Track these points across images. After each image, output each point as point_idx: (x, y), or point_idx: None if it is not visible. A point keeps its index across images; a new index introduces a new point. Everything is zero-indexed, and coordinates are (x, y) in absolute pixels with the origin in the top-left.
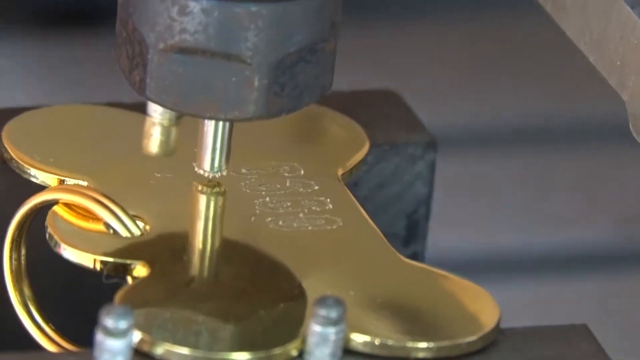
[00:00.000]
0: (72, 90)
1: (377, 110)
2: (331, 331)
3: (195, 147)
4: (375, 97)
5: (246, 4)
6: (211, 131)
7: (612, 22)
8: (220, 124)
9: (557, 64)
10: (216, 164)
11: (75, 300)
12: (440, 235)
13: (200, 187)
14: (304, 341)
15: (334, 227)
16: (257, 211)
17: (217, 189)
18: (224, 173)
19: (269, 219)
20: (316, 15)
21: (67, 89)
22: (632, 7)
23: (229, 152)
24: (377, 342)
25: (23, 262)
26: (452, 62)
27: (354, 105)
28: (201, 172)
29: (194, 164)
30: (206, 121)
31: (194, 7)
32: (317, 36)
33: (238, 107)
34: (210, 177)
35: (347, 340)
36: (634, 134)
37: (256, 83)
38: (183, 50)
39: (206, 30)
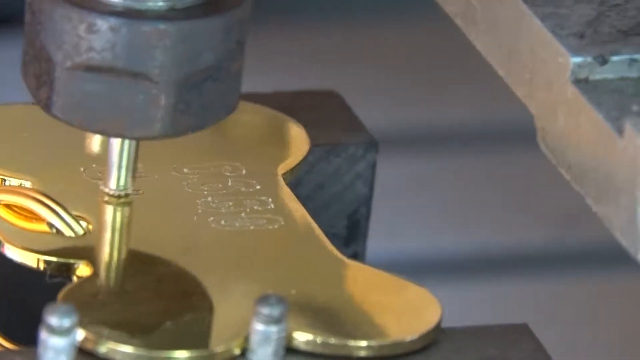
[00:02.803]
0: (12, 90)
1: (319, 111)
2: (273, 330)
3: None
4: (316, 98)
5: (154, 23)
6: (117, 149)
7: (523, 35)
8: (127, 142)
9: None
10: (122, 182)
11: (17, 300)
12: (380, 236)
13: (106, 198)
14: (246, 340)
15: (276, 226)
16: (200, 211)
17: (123, 200)
18: (129, 192)
19: (211, 218)
20: (223, 34)
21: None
22: (542, 21)
23: (134, 171)
24: (319, 340)
25: None
26: (393, 63)
27: (295, 105)
28: (106, 190)
29: (100, 183)
30: (112, 139)
31: (102, 25)
32: (224, 55)
33: (144, 126)
34: (116, 195)
35: (289, 339)
36: (542, 147)
37: (163, 101)
38: (90, 69)
39: (113, 49)
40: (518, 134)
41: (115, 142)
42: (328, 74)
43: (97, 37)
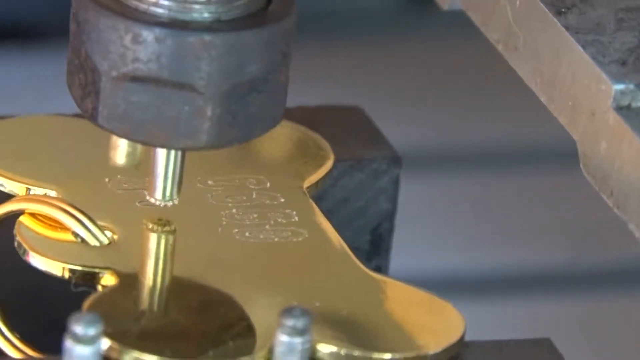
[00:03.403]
0: (41, 101)
1: (343, 126)
2: (298, 341)
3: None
4: (340, 113)
5: (199, 33)
6: (163, 160)
7: (564, 62)
8: (172, 152)
9: (520, 88)
10: (167, 193)
11: (42, 309)
12: (402, 251)
13: (150, 226)
14: (270, 351)
15: (300, 239)
16: (224, 222)
17: (167, 228)
18: (176, 202)
19: (236, 230)
20: (268, 46)
21: (35, 100)
22: (583, 48)
23: (180, 181)
24: (342, 352)
25: None
26: (418, 80)
27: (319, 120)
28: (152, 200)
29: (145, 192)
30: (158, 149)
31: (147, 35)
32: (269, 66)
33: (190, 137)
34: (162, 205)
35: (313, 351)
36: (585, 173)
37: (209, 112)
38: (136, 79)
39: (159, 59)
40: (540, 154)
41: (161, 153)
42: (353, 90)
43: (142, 47)
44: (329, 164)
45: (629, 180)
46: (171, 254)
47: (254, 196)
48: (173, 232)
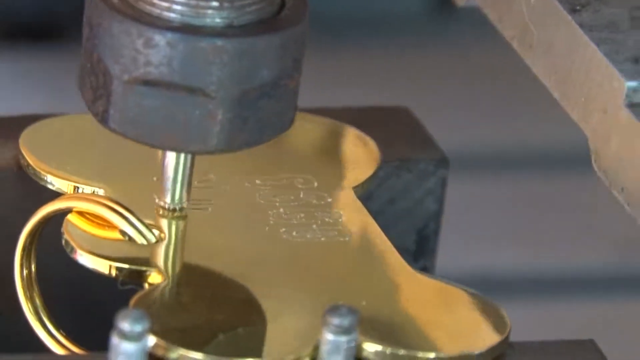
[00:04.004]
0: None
1: (390, 126)
2: (343, 340)
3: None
4: (387, 114)
5: (211, 39)
6: (172, 163)
7: (578, 59)
8: (182, 156)
9: None
10: (177, 197)
11: (87, 308)
12: (449, 251)
13: (160, 211)
14: (316, 349)
15: (347, 238)
16: (271, 222)
17: (177, 214)
18: (185, 206)
19: (283, 229)
20: (280, 52)
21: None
22: (597, 45)
23: (189, 185)
24: (388, 351)
25: (34, 269)
26: (466, 81)
27: (366, 121)
28: (162, 204)
29: (154, 196)
30: (168, 153)
31: (160, 40)
32: (280, 72)
33: (200, 140)
34: (171, 208)
35: (359, 350)
36: (596, 169)
37: (219, 117)
38: (147, 83)
39: (171, 64)
40: (586, 158)
41: (171, 156)
42: (399, 91)
43: (154, 51)
44: (376, 164)
45: None
46: (182, 237)
47: (301, 196)
48: (184, 217)
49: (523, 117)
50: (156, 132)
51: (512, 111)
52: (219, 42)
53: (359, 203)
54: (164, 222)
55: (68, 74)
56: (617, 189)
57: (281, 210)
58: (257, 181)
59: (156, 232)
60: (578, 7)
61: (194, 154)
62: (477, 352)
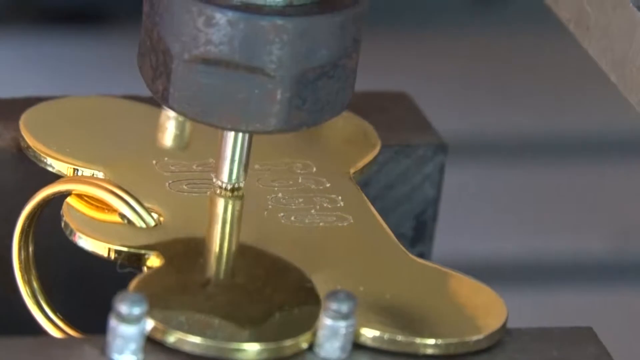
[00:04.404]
0: (88, 83)
1: (389, 112)
2: (342, 325)
3: (209, 139)
4: (387, 99)
5: (272, 18)
6: (231, 142)
7: (635, 41)
8: (240, 135)
9: (568, 77)
10: (234, 176)
11: (85, 291)
12: (446, 237)
13: (218, 190)
14: (314, 334)
15: (345, 224)
16: (270, 206)
17: (236, 193)
18: (242, 184)
19: (282, 214)
20: (340, 31)
21: (82, 82)
22: None
23: (247, 164)
24: (386, 337)
25: (31, 252)
26: (465, 68)
27: (366, 106)
28: (219, 183)
29: (212, 175)
30: (226, 132)
31: (220, 18)
32: (340, 52)
33: (259, 120)
34: (229, 188)
35: (357, 335)
36: None
37: (279, 96)
38: (207, 61)
39: (231, 42)
40: (588, 144)
41: (230, 136)
42: (399, 77)
43: (215, 30)
44: (375, 149)
45: None
46: (238, 219)
47: (300, 181)
48: (241, 197)
49: (521, 104)
50: (215, 112)
51: (510, 98)
52: (279, 21)
53: (357, 188)
54: (220, 202)
55: (69, 56)
56: None
57: (280, 195)
58: (256, 166)
59: (155, 215)
60: None
61: (252, 134)
62: (474, 338)
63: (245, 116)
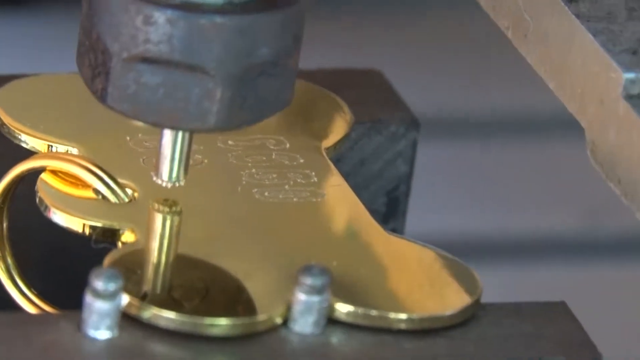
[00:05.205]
0: (61, 60)
1: (361, 89)
2: (316, 300)
3: None
4: (359, 76)
5: (211, 16)
6: (170, 141)
7: (574, 50)
8: (180, 134)
9: None
10: (174, 174)
11: (60, 266)
12: (418, 214)
13: (156, 206)
14: (288, 309)
15: (319, 199)
16: (244, 182)
17: (174, 208)
18: (182, 184)
19: (255, 190)
20: (280, 29)
21: (56, 59)
22: (594, 36)
23: (187, 162)
24: (360, 312)
25: (6, 228)
26: (437, 44)
27: (338, 83)
28: (159, 181)
29: (152, 173)
30: (166, 131)
31: (159, 17)
32: (280, 50)
33: (199, 118)
34: (169, 186)
35: (331, 310)
36: (592, 161)
37: (219, 95)
38: (146, 60)
39: (170, 41)
40: (560, 121)
41: (169, 134)
42: (372, 54)
43: (153, 29)
44: (348, 126)
45: (637, 169)
46: (176, 236)
47: (273, 157)
48: (179, 212)
49: (494, 82)
50: (155, 110)
51: (483, 75)
52: (219, 19)
53: (330, 164)
54: (158, 218)
55: (43, 34)
56: (614, 181)
57: (253, 170)
58: (230, 142)
59: (129, 191)
60: None
61: (192, 133)
62: (448, 313)
63: (185, 115)
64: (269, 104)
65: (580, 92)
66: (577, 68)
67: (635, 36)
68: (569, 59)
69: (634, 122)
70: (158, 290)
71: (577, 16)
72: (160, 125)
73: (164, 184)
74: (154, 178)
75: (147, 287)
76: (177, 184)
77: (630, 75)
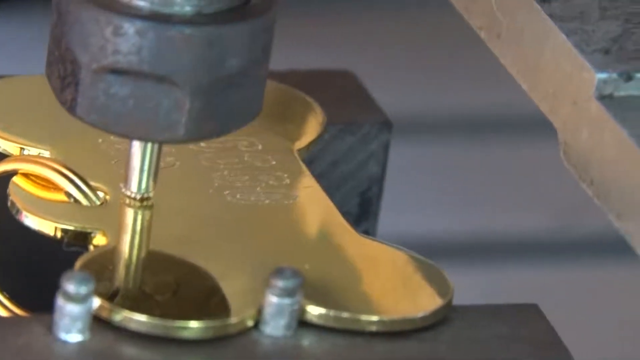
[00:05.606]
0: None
1: (334, 90)
2: (287, 302)
3: None
4: (331, 77)
5: (180, 27)
6: (140, 152)
7: (547, 50)
8: (149, 145)
9: None
10: (143, 186)
11: (32, 269)
12: (391, 215)
13: (127, 201)
14: (260, 312)
15: (291, 201)
16: (216, 184)
17: (145, 202)
18: (151, 195)
19: (227, 192)
20: (249, 41)
21: (28, 60)
22: (567, 36)
23: (156, 174)
24: (331, 314)
25: None
26: (410, 46)
27: (311, 84)
28: (128, 193)
29: (121, 185)
30: (135, 142)
31: (128, 28)
32: (249, 62)
33: (168, 130)
34: (138, 198)
35: (302, 312)
36: (565, 162)
37: (188, 106)
38: (115, 71)
39: (139, 52)
40: (531, 123)
41: (138, 145)
42: (345, 55)
43: (123, 40)
44: (320, 127)
45: (610, 170)
46: (148, 227)
47: (245, 158)
48: (150, 207)
49: (467, 82)
50: (124, 121)
51: (456, 76)
52: (188, 31)
53: (303, 166)
54: (129, 212)
55: (16, 36)
56: (587, 182)
57: (225, 173)
58: (202, 144)
59: (101, 194)
60: None
61: (161, 143)
62: (420, 315)
63: (154, 126)
64: (239, 114)
65: (553, 93)
66: (550, 68)
67: (608, 36)
68: (542, 60)
69: (606, 122)
70: (129, 293)
71: (550, 16)
72: (129, 137)
73: (132, 195)
74: (123, 189)
75: (118, 289)
76: (146, 195)
77: (603, 76)
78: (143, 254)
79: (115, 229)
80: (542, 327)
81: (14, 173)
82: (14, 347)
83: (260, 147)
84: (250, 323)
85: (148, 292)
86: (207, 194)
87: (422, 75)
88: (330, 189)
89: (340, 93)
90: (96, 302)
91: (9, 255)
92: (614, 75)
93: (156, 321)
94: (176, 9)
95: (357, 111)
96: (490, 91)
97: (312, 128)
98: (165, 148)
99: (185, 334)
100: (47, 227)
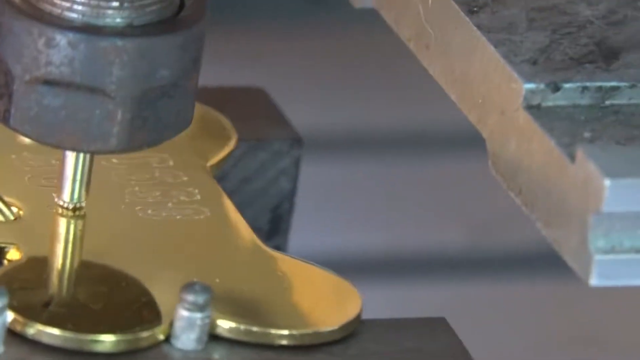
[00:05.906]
0: None
1: (245, 107)
2: (198, 316)
3: None
4: (243, 94)
5: (112, 38)
6: (72, 162)
7: (475, 61)
8: (82, 155)
9: (425, 74)
10: (76, 195)
11: None
12: (301, 231)
13: (60, 210)
14: (171, 326)
15: (202, 217)
16: (127, 200)
17: (77, 212)
18: (83, 204)
19: (138, 207)
20: (180, 51)
21: None
22: (495, 46)
23: (88, 183)
24: (242, 328)
25: None
26: (321, 63)
27: (222, 100)
28: (60, 202)
29: (54, 195)
30: (67, 152)
31: (61, 39)
32: (180, 72)
33: (100, 140)
34: (70, 207)
35: (213, 326)
36: (493, 172)
37: (119, 117)
38: (48, 82)
39: (72, 63)
40: (444, 140)
41: (71, 156)
42: (255, 72)
43: (55, 51)
44: (231, 143)
45: (538, 179)
46: (80, 236)
47: (156, 174)
48: (83, 216)
49: (377, 99)
50: (57, 132)
51: (366, 93)
52: (119, 42)
53: (214, 182)
54: (62, 221)
55: None
56: (515, 191)
57: (137, 188)
58: (114, 160)
59: (14, 209)
60: (475, 9)
61: (93, 154)
62: (329, 329)
63: (86, 137)
64: (170, 125)
65: (481, 103)
66: (478, 79)
67: (535, 46)
68: (471, 70)
69: (534, 132)
70: (43, 307)
71: (478, 27)
72: (62, 147)
73: (65, 205)
74: (56, 199)
75: (32, 304)
76: (79, 204)
77: (531, 86)
78: (75, 264)
79: (29, 244)
80: (450, 341)
81: None
82: None
83: (171, 163)
84: (161, 337)
85: (62, 306)
86: (119, 210)
87: (334, 92)
88: (242, 205)
89: (251, 110)
90: (10, 315)
91: None
92: (542, 86)
93: (68, 335)
94: (108, 21)
95: (268, 128)
96: (400, 108)
97: (223, 144)
98: None
99: (98, 348)
100: None
